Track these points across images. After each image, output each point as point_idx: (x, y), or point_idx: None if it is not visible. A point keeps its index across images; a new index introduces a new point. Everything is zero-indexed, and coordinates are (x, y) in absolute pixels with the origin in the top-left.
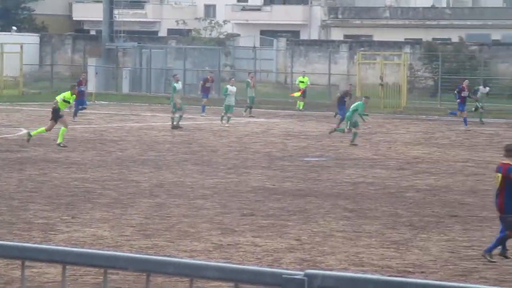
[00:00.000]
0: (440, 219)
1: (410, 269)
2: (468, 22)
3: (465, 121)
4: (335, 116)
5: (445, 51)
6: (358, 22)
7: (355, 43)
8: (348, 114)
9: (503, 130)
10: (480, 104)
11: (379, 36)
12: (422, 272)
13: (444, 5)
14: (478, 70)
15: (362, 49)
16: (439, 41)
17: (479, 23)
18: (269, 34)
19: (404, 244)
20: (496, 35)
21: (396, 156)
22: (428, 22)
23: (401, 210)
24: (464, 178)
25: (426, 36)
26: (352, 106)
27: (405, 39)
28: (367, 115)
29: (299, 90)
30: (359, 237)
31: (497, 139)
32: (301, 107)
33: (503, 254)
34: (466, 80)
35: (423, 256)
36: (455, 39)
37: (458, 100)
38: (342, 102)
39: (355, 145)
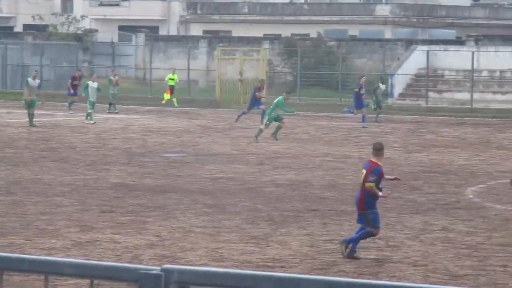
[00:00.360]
0: (300, 213)
1: (270, 264)
2: (326, 18)
3: (363, 119)
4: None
5: (303, 46)
6: (217, 17)
7: (214, 38)
8: (268, 110)
9: (360, 124)
10: (375, 99)
11: (238, 31)
12: (282, 267)
13: (302, 0)
14: (336, 65)
15: (222, 44)
16: (298, 37)
17: (336, 18)
18: (127, 29)
19: (264, 239)
20: (353, 31)
21: (256, 151)
22: (286, 18)
23: (261, 205)
24: (323, 173)
25: (285, 31)
26: (274, 102)
27: (264, 34)
28: (292, 112)
29: (168, 89)
30: (219, 232)
31: (355, 133)
32: (175, 104)
33: (347, 250)
34: (363, 77)
35: (283, 251)
36: (313, 34)
37: (356, 98)
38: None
39: (257, 142)
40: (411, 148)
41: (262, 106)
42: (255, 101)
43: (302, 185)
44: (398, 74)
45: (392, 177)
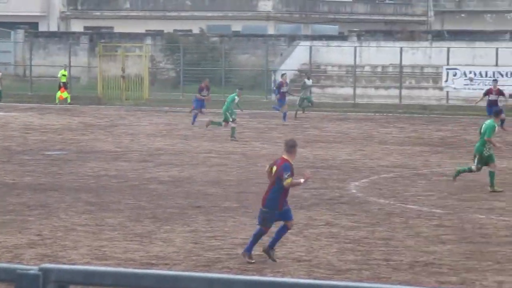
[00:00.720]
0: (184, 210)
1: (154, 261)
2: (209, 14)
3: (284, 116)
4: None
5: (186, 42)
6: (98, 13)
7: (95, 34)
8: (224, 107)
9: (244, 120)
10: (304, 97)
11: (120, 27)
12: (166, 264)
13: None
14: (219, 61)
15: (103, 40)
16: (180, 33)
17: (219, 14)
18: (6, 25)
19: (148, 236)
20: (236, 27)
21: (139, 148)
22: (169, 14)
23: (145, 202)
24: (207, 169)
25: (168, 27)
26: (227, 100)
27: (147, 30)
28: (241, 109)
29: (61, 86)
30: (102, 230)
31: (239, 129)
32: (69, 101)
33: (271, 255)
34: (284, 74)
35: (167, 248)
36: (196, 30)
37: (277, 96)
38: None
39: (236, 140)
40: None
41: (204, 110)
42: (199, 101)
43: (185, 181)
44: (281, 70)
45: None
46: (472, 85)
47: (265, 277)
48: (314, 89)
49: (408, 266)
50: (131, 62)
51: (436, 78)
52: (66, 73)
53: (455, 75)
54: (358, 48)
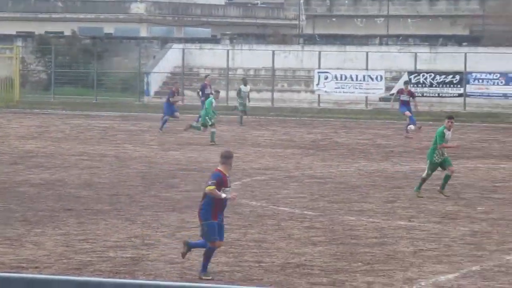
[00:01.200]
0: (55, 213)
1: (24, 265)
2: (81, 16)
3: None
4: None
5: (58, 44)
6: None
7: None
8: (203, 112)
9: (117, 123)
10: (241, 102)
11: None
12: (36, 268)
13: None
14: (92, 63)
15: None
16: (52, 34)
17: (91, 16)
18: None
19: (18, 239)
20: (108, 29)
21: (10, 150)
22: (40, 15)
23: (15, 205)
24: (79, 172)
25: (39, 29)
26: (206, 103)
27: (17, 32)
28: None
29: None
30: None
31: (111, 132)
32: None
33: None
34: (208, 76)
35: (38, 251)
36: (68, 32)
37: (202, 99)
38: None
39: (215, 144)
40: (168, 146)
41: (176, 113)
42: (170, 106)
43: (57, 184)
44: (154, 72)
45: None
46: (343, 88)
47: (135, 280)
48: (187, 92)
49: (280, 268)
50: (0, 64)
51: (307, 81)
52: None
53: (326, 78)
54: (230, 51)
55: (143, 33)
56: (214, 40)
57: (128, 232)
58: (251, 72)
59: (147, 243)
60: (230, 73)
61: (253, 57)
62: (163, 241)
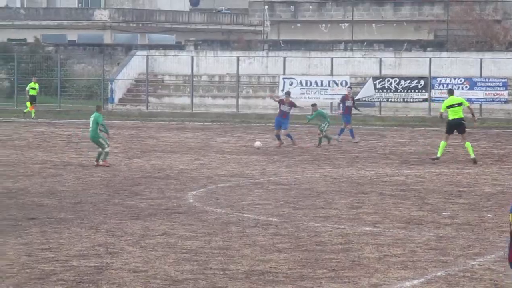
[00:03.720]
0: (18, 222)
1: None
2: (44, 23)
3: (351, 133)
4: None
5: (20, 52)
6: None
7: None
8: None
9: (81, 130)
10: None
11: None
12: None
13: (19, 5)
14: (55, 70)
15: None
16: (15, 42)
17: (54, 23)
18: None
19: None
20: (72, 36)
21: None
22: (2, 23)
23: None
24: (42, 180)
25: (1, 36)
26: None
27: None
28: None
29: (30, 99)
30: None
31: (75, 139)
32: (33, 115)
33: None
34: (349, 88)
35: (0, 261)
36: (30, 39)
37: (341, 111)
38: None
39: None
40: (132, 153)
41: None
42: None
43: (20, 193)
44: (118, 79)
45: None
46: (308, 94)
47: None
48: (151, 99)
49: (245, 275)
50: None
51: (272, 87)
52: (35, 86)
53: (291, 84)
54: (195, 58)
55: (107, 40)
56: (178, 46)
57: (92, 240)
58: (216, 79)
59: (111, 251)
60: (194, 79)
61: (218, 63)
62: (127, 249)
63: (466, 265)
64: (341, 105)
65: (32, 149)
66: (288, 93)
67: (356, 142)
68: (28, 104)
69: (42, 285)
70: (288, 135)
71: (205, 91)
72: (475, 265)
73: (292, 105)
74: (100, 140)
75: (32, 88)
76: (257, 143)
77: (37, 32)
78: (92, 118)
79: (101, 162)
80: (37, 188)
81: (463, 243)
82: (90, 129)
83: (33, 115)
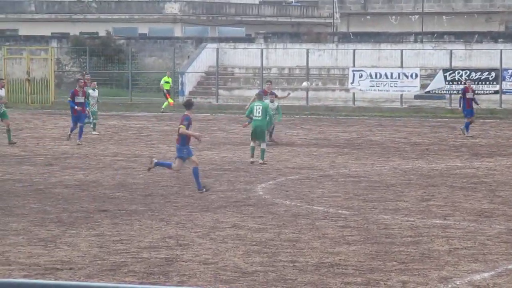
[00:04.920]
0: (89, 214)
1: (58, 266)
2: (115, 16)
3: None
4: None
5: (92, 45)
6: (2, 16)
7: (0, 37)
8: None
9: (151, 123)
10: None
11: (25, 30)
12: (71, 269)
13: None
14: (126, 63)
15: (8, 43)
16: (87, 35)
17: (125, 17)
18: None
19: (53, 241)
20: (143, 29)
21: (45, 152)
22: (74, 16)
23: (50, 206)
24: (114, 172)
25: (74, 30)
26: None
27: (52, 33)
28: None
29: (166, 93)
30: (5, 235)
31: (146, 132)
32: (164, 106)
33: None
34: (468, 80)
35: (72, 252)
36: (102, 33)
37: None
38: None
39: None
40: (202, 146)
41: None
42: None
43: (91, 185)
44: (188, 72)
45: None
46: (378, 86)
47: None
48: (221, 91)
49: (314, 268)
50: (36, 65)
51: (342, 79)
52: (169, 79)
53: (361, 76)
54: (265, 50)
55: (177, 33)
56: (248, 39)
57: (162, 232)
58: (286, 71)
59: (181, 243)
60: (264, 72)
61: (287, 56)
62: (197, 242)
63: None
64: (462, 98)
65: (103, 141)
66: (269, 82)
67: (470, 136)
68: (170, 99)
69: (113, 277)
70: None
71: (275, 83)
72: None
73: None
74: None
75: (166, 82)
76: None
77: (108, 25)
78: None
79: None
80: (109, 181)
81: None
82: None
83: (164, 106)
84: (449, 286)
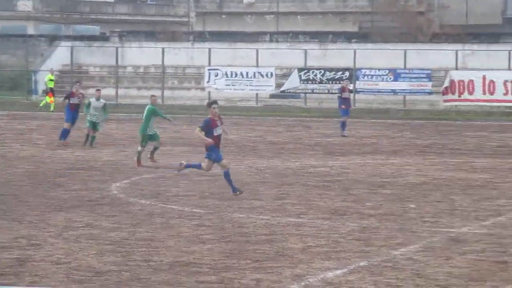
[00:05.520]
0: None
1: None
2: None
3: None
4: None
5: None
6: None
7: None
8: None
9: (4, 122)
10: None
11: None
12: None
13: None
14: None
15: None
16: None
17: None
18: None
19: None
20: None
21: None
22: None
23: None
24: None
25: None
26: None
27: None
28: None
29: (49, 92)
30: None
31: (0, 131)
32: (52, 108)
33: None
34: (346, 80)
35: None
36: None
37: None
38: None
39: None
40: (55, 145)
41: None
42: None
43: None
44: (41, 70)
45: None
46: (233, 85)
47: None
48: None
49: (169, 267)
50: None
51: (198, 78)
52: (53, 77)
53: (216, 75)
54: (120, 49)
55: (31, 30)
56: (103, 37)
57: (14, 232)
58: (141, 70)
59: (33, 243)
60: (119, 71)
61: (143, 54)
62: (49, 241)
63: (389, 255)
64: (339, 98)
65: None
66: (78, 82)
67: (345, 136)
68: (49, 98)
69: None
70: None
71: (130, 82)
72: (397, 255)
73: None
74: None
75: (50, 80)
76: None
77: None
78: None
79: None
80: None
81: (386, 233)
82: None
83: (52, 107)
84: (303, 283)
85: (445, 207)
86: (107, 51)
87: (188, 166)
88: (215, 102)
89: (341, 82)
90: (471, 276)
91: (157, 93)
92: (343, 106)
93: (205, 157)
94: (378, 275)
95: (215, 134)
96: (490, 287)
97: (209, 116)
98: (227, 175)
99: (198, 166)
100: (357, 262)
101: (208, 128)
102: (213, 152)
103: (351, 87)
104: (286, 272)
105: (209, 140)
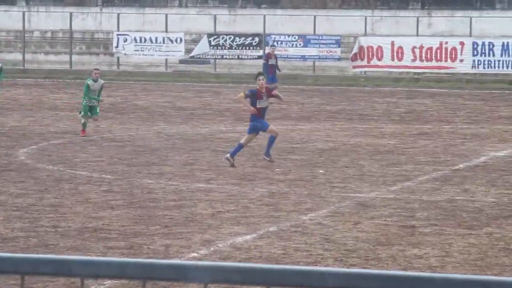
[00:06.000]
0: None
1: None
2: None
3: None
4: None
5: None
6: None
7: None
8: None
9: None
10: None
11: None
12: None
13: None
14: None
15: None
16: None
17: None
18: None
19: None
20: None
21: None
22: None
23: None
24: None
25: None
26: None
27: None
28: None
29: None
30: None
31: None
32: None
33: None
34: (273, 46)
35: None
36: None
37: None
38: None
39: None
40: None
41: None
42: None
43: None
44: None
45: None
46: (142, 51)
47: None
48: None
49: (77, 232)
50: None
51: (106, 43)
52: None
53: (125, 41)
54: (26, 13)
55: None
56: (9, 1)
57: None
58: (48, 35)
59: None
60: (26, 35)
61: (50, 19)
62: None
63: (298, 220)
64: (265, 64)
65: None
66: None
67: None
68: None
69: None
70: None
71: (37, 47)
72: (306, 220)
73: None
74: None
75: None
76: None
77: None
78: None
79: None
80: None
81: (295, 198)
82: None
83: None
84: (212, 249)
85: (354, 173)
86: (13, 15)
87: (233, 154)
88: (260, 73)
89: (269, 48)
90: (379, 241)
91: (65, 58)
92: (269, 73)
93: (247, 133)
94: (287, 240)
95: (258, 106)
96: (397, 251)
97: (256, 87)
98: (272, 139)
99: (241, 146)
100: (266, 227)
101: (252, 97)
102: (257, 122)
103: (260, 52)
104: (196, 238)
105: (252, 108)
